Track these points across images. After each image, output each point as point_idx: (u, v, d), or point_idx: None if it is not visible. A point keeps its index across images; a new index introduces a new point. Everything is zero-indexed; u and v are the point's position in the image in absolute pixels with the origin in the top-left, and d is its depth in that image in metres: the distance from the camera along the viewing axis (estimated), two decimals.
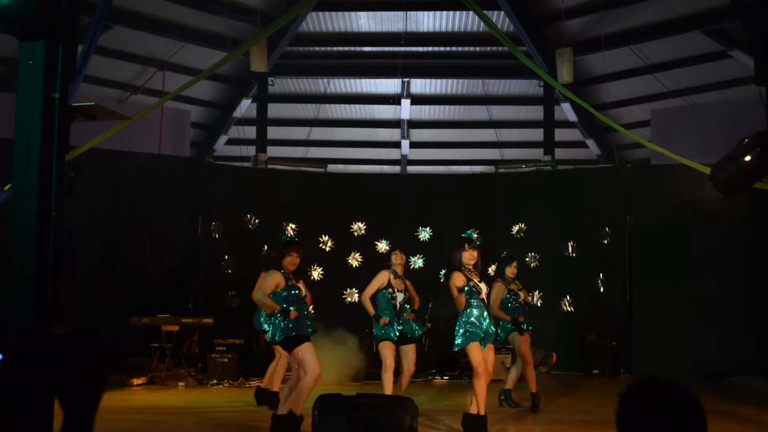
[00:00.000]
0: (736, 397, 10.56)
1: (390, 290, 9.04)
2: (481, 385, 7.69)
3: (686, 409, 2.31)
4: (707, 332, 12.73)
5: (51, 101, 4.48)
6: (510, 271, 9.98)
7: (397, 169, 19.59)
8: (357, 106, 18.82)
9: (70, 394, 2.47)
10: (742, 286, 12.54)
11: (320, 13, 15.74)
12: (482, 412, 7.79)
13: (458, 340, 7.75)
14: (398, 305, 9.02)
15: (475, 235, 8.17)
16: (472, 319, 7.74)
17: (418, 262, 14.04)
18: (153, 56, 15.57)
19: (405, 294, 9.12)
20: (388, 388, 8.79)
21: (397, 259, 9.17)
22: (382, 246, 13.84)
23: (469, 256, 7.89)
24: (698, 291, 12.82)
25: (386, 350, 8.92)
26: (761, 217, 12.06)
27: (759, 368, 12.11)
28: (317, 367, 7.58)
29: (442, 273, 13.97)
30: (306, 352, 7.62)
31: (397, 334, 8.93)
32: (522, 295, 9.93)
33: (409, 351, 9.00)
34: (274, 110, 17.94)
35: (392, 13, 15.71)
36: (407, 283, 9.26)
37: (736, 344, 12.48)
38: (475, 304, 7.79)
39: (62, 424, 2.48)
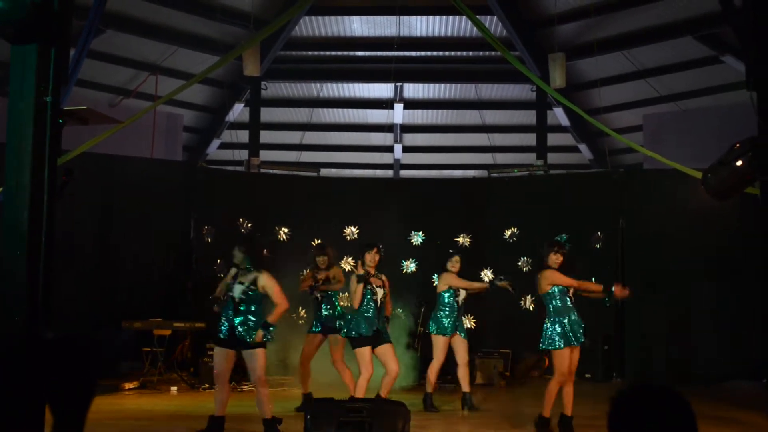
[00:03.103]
0: (728, 402, 10.59)
1: (369, 287, 8.95)
2: (557, 388, 8.17)
3: (677, 413, 2.31)
4: (699, 337, 12.76)
5: (43, 105, 4.47)
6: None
7: (389, 173, 19.60)
8: (350, 110, 18.83)
9: (60, 399, 2.47)
10: (734, 290, 12.57)
11: (313, 18, 15.75)
12: (548, 415, 8.23)
13: (559, 343, 8.16)
14: (379, 301, 8.95)
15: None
16: (565, 321, 8.16)
17: (410, 266, 14.03)
18: (146, 60, 15.55)
19: (384, 290, 9.06)
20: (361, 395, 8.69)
21: (371, 260, 9.06)
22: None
23: (556, 259, 8.35)
24: (690, 295, 12.86)
25: (365, 356, 8.79)
26: (752, 222, 12.06)
27: (750, 372, 12.13)
28: (261, 376, 7.79)
29: (435, 277, 14.00)
30: (261, 358, 7.80)
31: (372, 332, 8.79)
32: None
33: (387, 351, 8.90)
34: (267, 114, 17.93)
35: (385, 17, 15.73)
36: (384, 280, 9.19)
37: (727, 348, 12.51)
38: (569, 303, 8.26)
39: (52, 429, 2.47)
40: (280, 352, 12.74)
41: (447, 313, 9.91)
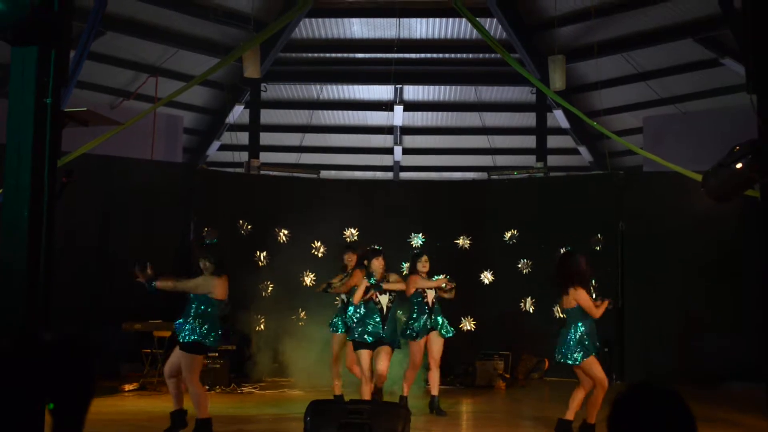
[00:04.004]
0: (728, 403, 10.59)
1: (375, 299, 8.91)
2: (602, 395, 8.05)
3: (677, 415, 2.31)
4: (699, 339, 12.76)
5: (43, 106, 4.48)
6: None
7: (389, 175, 19.59)
8: (350, 112, 18.83)
9: (59, 400, 2.47)
10: (734, 292, 12.56)
11: (313, 20, 15.75)
12: (593, 420, 8.13)
13: (577, 354, 8.05)
14: (385, 308, 8.87)
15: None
16: (588, 330, 8.11)
17: None
18: (146, 62, 15.55)
19: (391, 295, 8.91)
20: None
21: (379, 266, 8.94)
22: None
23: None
24: (690, 297, 12.86)
25: (364, 359, 8.79)
26: (752, 224, 12.06)
27: (750, 374, 12.12)
28: (186, 375, 8.10)
29: (434, 279, 14.00)
30: (185, 358, 8.08)
31: (371, 339, 8.76)
32: None
33: (380, 352, 8.79)
34: (267, 116, 17.93)
35: (385, 19, 15.73)
36: (390, 279, 9.01)
37: (727, 350, 12.50)
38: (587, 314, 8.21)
39: (51, 430, 2.47)
40: (279, 354, 12.76)
41: (416, 316, 9.84)
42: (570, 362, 8.11)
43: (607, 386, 8.13)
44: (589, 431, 8.13)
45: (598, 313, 8.18)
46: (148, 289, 8.22)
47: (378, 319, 8.83)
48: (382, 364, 8.81)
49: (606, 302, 8.30)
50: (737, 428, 9.03)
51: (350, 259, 10.13)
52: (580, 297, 8.17)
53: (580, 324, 8.13)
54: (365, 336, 8.77)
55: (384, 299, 8.90)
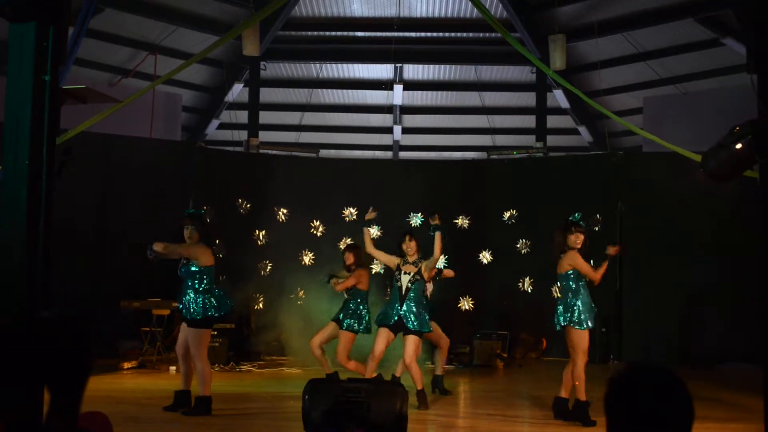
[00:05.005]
0: (725, 384, 10.63)
1: (396, 272, 8.88)
2: (582, 368, 8.03)
3: (674, 394, 2.31)
4: (697, 319, 12.79)
5: (41, 84, 4.45)
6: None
7: (389, 154, 19.57)
8: (349, 91, 18.78)
9: (57, 377, 2.47)
10: (732, 273, 12.59)
11: None
12: (583, 397, 8.03)
13: (584, 322, 8.03)
14: (403, 288, 8.77)
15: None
16: (587, 301, 8.11)
17: None
18: (145, 39, 15.48)
19: (413, 276, 8.79)
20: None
21: (406, 248, 8.90)
22: (373, 232, 13.68)
23: (575, 239, 8.25)
24: (688, 278, 12.88)
25: (379, 337, 8.78)
26: (751, 205, 12.06)
27: (748, 355, 12.17)
28: (194, 352, 8.16)
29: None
30: (192, 334, 8.11)
31: (396, 319, 8.72)
32: None
33: (406, 342, 8.68)
34: (266, 95, 17.88)
35: None
36: (423, 265, 8.85)
37: (725, 331, 12.54)
38: (582, 285, 8.18)
39: (49, 407, 2.48)
40: (277, 333, 12.78)
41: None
42: (577, 327, 8.02)
43: (586, 360, 8.09)
44: (582, 409, 8.09)
45: (597, 276, 8.19)
46: (149, 254, 8.23)
47: (394, 300, 8.83)
48: (408, 356, 8.69)
49: (604, 265, 8.27)
50: (735, 409, 9.07)
51: (348, 258, 10.11)
52: (575, 261, 8.16)
53: (581, 289, 8.14)
54: (380, 317, 8.95)
55: (405, 279, 8.81)
